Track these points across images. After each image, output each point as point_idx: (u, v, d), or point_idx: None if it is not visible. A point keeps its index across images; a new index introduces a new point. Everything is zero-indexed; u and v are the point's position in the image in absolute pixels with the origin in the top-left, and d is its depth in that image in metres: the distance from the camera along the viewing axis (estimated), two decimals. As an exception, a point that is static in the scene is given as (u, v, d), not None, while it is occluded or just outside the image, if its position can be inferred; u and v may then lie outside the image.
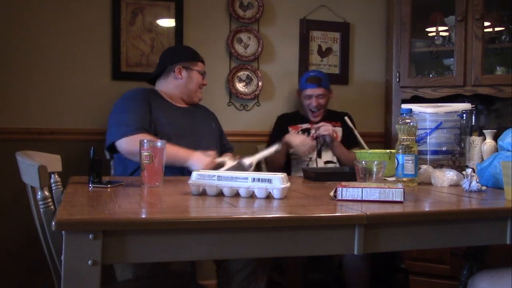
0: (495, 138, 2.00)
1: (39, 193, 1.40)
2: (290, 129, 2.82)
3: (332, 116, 2.87)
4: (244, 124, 2.99)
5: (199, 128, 2.43)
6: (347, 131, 2.81)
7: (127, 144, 2.16)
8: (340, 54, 3.15)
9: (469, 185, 1.68)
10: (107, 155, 2.49)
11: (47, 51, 2.65)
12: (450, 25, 2.98)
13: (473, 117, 2.33)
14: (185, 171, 2.13)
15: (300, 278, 2.55)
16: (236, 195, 1.46)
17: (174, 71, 2.42)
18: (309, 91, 2.78)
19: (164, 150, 1.69)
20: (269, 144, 2.81)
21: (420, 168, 1.93)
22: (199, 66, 2.49)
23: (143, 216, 1.23)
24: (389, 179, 1.95)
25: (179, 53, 2.50)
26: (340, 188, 1.43)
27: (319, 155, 2.75)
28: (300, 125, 2.82)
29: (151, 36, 2.80)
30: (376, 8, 3.21)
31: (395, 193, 1.41)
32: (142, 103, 2.29)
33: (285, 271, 2.58)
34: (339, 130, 2.81)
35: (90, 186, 1.64)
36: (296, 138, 2.69)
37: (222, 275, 2.12)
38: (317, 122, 2.78)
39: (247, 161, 2.00)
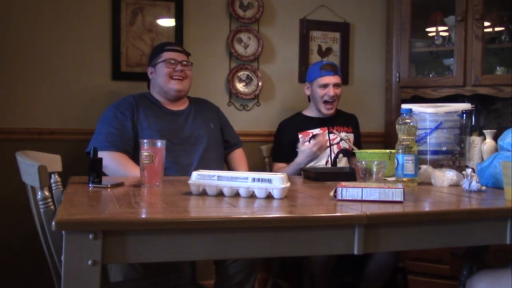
0: (495, 138, 2.00)
1: (39, 193, 1.40)
2: (300, 135, 2.64)
3: (343, 120, 2.75)
4: (244, 124, 2.99)
5: (194, 132, 2.39)
6: (357, 135, 2.76)
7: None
8: (340, 54, 3.15)
9: (469, 185, 1.69)
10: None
11: (47, 51, 2.65)
12: (450, 25, 2.98)
13: (473, 117, 2.33)
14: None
15: (326, 283, 2.48)
16: (236, 195, 1.47)
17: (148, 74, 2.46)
18: (325, 79, 2.60)
19: (164, 151, 1.69)
20: (275, 155, 2.68)
21: (420, 168, 1.93)
22: (164, 56, 2.40)
23: (143, 216, 1.23)
24: (389, 179, 1.95)
25: (150, 55, 2.51)
26: (340, 188, 1.43)
27: (334, 164, 2.63)
28: (309, 131, 2.65)
29: (151, 36, 2.80)
30: (376, 8, 3.21)
31: (395, 193, 1.41)
32: (124, 117, 2.29)
33: (311, 276, 2.51)
34: (351, 136, 2.70)
35: (90, 186, 1.64)
36: (303, 152, 2.45)
37: (220, 275, 2.12)
38: (330, 117, 2.67)
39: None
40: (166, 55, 2.40)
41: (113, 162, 2.17)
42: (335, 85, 2.62)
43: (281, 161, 2.63)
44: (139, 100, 2.38)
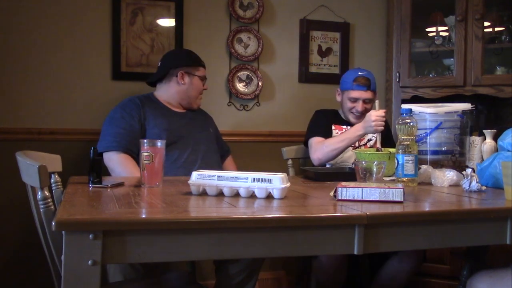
0: (495, 138, 2.00)
1: (39, 193, 1.40)
2: (333, 127, 2.55)
3: None
4: (244, 124, 2.99)
5: (197, 133, 2.42)
6: (384, 135, 2.50)
7: (105, 159, 2.26)
8: (340, 54, 3.15)
9: (469, 185, 1.69)
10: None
11: (47, 51, 2.65)
12: (450, 25, 2.98)
13: (473, 117, 2.32)
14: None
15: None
16: (236, 195, 1.47)
17: (176, 76, 2.43)
18: (355, 93, 2.46)
19: (164, 151, 1.69)
20: (313, 130, 2.52)
21: (420, 168, 1.93)
22: (201, 71, 2.48)
23: (143, 216, 1.23)
24: (388, 179, 1.95)
25: (182, 57, 2.49)
26: (340, 188, 1.43)
27: None
28: (344, 127, 2.54)
29: (151, 36, 2.80)
30: (376, 8, 3.21)
31: (395, 193, 1.41)
32: (131, 117, 2.30)
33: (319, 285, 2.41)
34: (378, 136, 2.44)
35: (90, 186, 1.64)
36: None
37: (220, 276, 2.12)
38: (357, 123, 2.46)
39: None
40: (203, 71, 2.50)
41: (120, 166, 2.21)
42: (366, 100, 2.47)
43: (320, 135, 2.48)
44: (145, 101, 2.40)
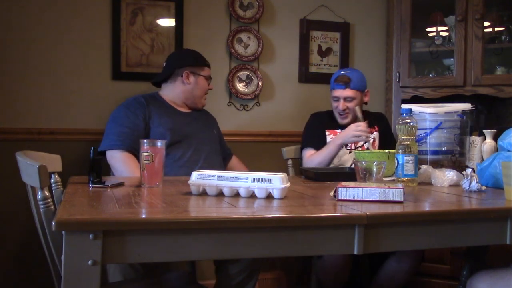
0: (495, 138, 2.00)
1: (39, 193, 1.40)
2: (327, 132, 2.60)
3: (369, 121, 2.54)
4: (244, 124, 2.99)
5: (200, 133, 2.43)
6: (383, 133, 2.63)
7: (108, 157, 2.26)
8: (340, 54, 3.15)
9: (469, 185, 1.69)
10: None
11: (47, 51, 2.65)
12: (450, 25, 2.98)
13: (473, 117, 2.32)
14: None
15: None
16: (236, 195, 1.47)
17: (181, 76, 2.43)
18: (336, 92, 2.54)
19: (164, 151, 1.69)
20: (307, 140, 2.61)
21: (420, 168, 1.93)
22: (206, 71, 2.49)
23: (143, 216, 1.23)
24: (387, 179, 1.95)
25: (187, 57, 2.50)
26: (340, 188, 1.43)
27: None
28: (338, 131, 2.58)
29: (151, 36, 2.80)
30: (376, 8, 3.21)
31: (395, 193, 1.41)
32: (135, 116, 2.30)
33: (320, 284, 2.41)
34: (376, 136, 2.59)
35: (90, 186, 1.64)
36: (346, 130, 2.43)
37: (220, 276, 2.12)
38: (347, 124, 2.52)
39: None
40: (208, 71, 2.51)
41: (123, 165, 2.21)
42: (346, 99, 2.53)
43: (312, 146, 2.56)
44: (149, 100, 2.40)
